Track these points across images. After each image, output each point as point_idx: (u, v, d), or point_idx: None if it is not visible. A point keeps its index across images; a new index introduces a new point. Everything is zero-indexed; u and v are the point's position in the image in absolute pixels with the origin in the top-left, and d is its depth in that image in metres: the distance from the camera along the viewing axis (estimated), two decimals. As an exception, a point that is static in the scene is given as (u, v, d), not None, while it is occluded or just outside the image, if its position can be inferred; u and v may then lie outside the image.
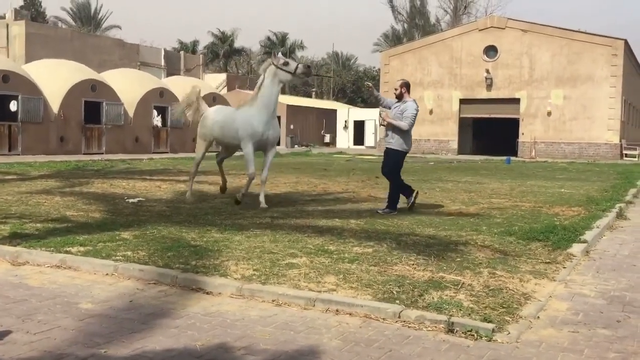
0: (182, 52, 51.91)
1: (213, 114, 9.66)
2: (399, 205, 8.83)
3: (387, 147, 8.81)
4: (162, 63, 45.08)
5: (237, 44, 77.34)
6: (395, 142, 8.69)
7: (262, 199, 9.09)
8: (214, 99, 32.98)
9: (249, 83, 57.67)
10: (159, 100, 29.60)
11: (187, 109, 10.12)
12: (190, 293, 4.63)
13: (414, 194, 8.97)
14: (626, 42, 33.14)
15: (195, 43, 75.07)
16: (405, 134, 8.68)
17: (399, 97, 8.87)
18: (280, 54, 9.11)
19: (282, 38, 76.56)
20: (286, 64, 8.88)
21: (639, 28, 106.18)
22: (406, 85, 8.89)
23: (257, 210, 8.63)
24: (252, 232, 6.79)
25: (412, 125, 8.67)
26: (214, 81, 51.12)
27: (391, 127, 8.70)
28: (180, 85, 31.86)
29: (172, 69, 44.99)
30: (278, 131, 9.26)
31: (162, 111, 29.97)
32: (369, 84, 9.27)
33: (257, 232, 6.80)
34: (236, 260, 5.40)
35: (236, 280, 4.76)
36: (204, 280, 4.75)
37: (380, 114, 8.83)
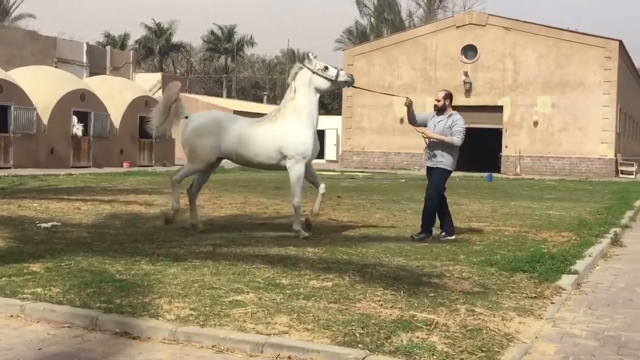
0: (108, 48, 51.34)
1: (221, 121, 9.18)
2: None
3: (436, 167, 8.99)
4: (85, 60, 44.44)
5: (175, 38, 77.10)
6: (447, 160, 8.94)
7: (297, 227, 8.98)
8: (146, 103, 32.69)
9: (188, 84, 57.42)
10: (80, 104, 29.10)
11: (165, 114, 9.39)
12: (114, 338, 4.54)
13: (453, 236, 9.02)
14: (621, 43, 34.37)
15: (125, 37, 74.43)
16: (454, 151, 8.97)
17: (441, 110, 9.12)
18: (315, 57, 9.21)
19: (229, 32, 76.65)
20: (326, 68, 9.02)
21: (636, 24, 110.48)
22: (449, 97, 9.16)
23: (196, 237, 8.56)
24: (190, 263, 6.73)
25: (463, 140, 8.93)
26: (147, 82, 50.61)
27: (439, 145, 8.91)
28: (106, 87, 31.54)
29: (96, 67, 44.39)
30: (318, 147, 9.28)
31: (83, 117, 29.47)
32: (408, 99, 9.33)
33: (196, 262, 6.74)
34: (170, 298, 5.33)
35: (169, 322, 4.70)
36: (131, 323, 4.67)
37: (423, 136, 9.03)
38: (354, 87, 9.89)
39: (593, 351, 4.57)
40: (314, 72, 8.97)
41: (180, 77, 62.99)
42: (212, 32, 77.17)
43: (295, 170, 8.96)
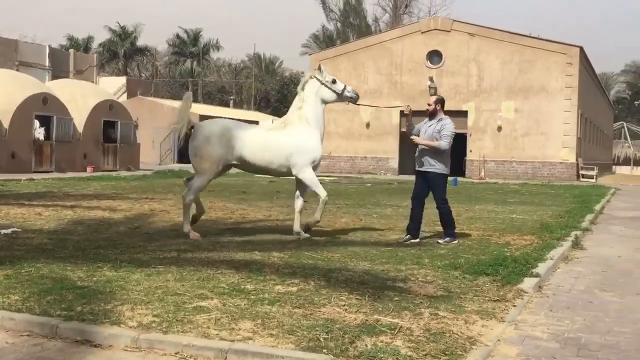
0: (71, 51, 50.62)
1: (230, 129, 9.21)
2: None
3: (429, 172, 9.18)
4: (47, 63, 43.77)
5: (140, 42, 76.44)
6: (439, 165, 9.14)
7: (298, 228, 9.37)
8: (110, 107, 32.31)
9: (154, 89, 56.93)
10: (42, 108, 28.60)
11: (185, 119, 9.24)
12: (74, 346, 4.46)
13: (417, 240, 9.23)
14: (582, 50, 35.07)
15: (88, 40, 73.57)
16: (445, 154, 9.14)
17: (432, 115, 9.31)
18: (323, 69, 9.59)
19: (195, 36, 76.27)
20: (334, 82, 9.45)
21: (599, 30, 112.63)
22: (441, 102, 9.37)
23: (160, 243, 8.47)
24: (154, 268, 6.66)
25: (451, 144, 9.10)
26: (111, 86, 50.07)
27: (428, 150, 9.11)
28: (69, 90, 31.04)
29: (59, 71, 43.76)
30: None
31: (46, 121, 28.98)
32: (409, 107, 9.61)
33: (160, 268, 6.67)
34: (132, 305, 5.26)
35: (132, 329, 4.63)
36: (92, 330, 4.60)
37: (413, 140, 9.30)
38: (357, 104, 10.23)
39: (554, 353, 4.64)
40: (322, 84, 9.38)
41: (145, 81, 62.47)
42: (178, 36, 76.76)
43: (307, 174, 9.29)
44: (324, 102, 9.46)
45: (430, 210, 9.64)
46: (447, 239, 9.15)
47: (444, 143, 9.02)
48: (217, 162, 9.10)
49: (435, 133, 9.11)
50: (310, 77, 9.48)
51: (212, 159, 9.07)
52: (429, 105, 9.34)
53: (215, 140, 9.05)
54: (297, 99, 9.49)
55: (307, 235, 9.28)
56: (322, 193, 9.37)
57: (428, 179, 9.24)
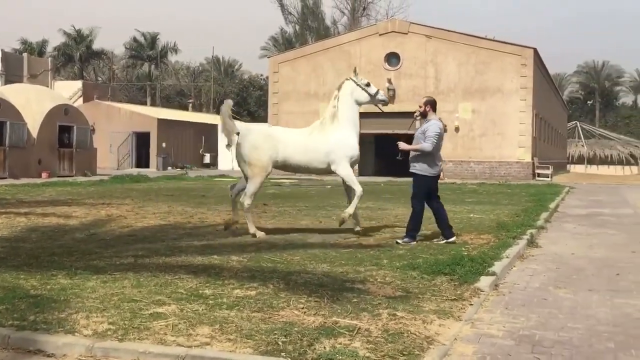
0: (25, 54, 49.62)
1: (273, 134, 10.02)
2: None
3: (413, 172, 9.31)
4: (0, 67, 42.78)
5: (96, 45, 75.30)
6: (419, 166, 9.22)
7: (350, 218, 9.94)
8: (65, 112, 31.75)
9: (111, 93, 56.11)
10: (-5, 113, 27.97)
11: (226, 129, 9.77)
12: (27, 357, 4.37)
13: (453, 238, 9.29)
14: (536, 51, 35.72)
15: (43, 43, 72.20)
16: (429, 156, 9.17)
17: (423, 116, 9.44)
18: (358, 71, 10.26)
19: (152, 39, 75.46)
20: (368, 85, 10.07)
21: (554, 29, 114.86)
22: (431, 103, 9.45)
23: (117, 249, 8.35)
24: (110, 275, 6.56)
25: (435, 144, 9.11)
26: (67, 90, 49.18)
27: (414, 151, 9.23)
28: (22, 95, 30.41)
29: (12, 75, 42.85)
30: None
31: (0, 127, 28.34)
32: (417, 112, 9.64)
33: (117, 275, 6.58)
34: (87, 313, 5.17)
35: (86, 338, 4.56)
36: (45, 340, 4.50)
37: (397, 145, 9.47)
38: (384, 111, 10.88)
39: (509, 350, 4.70)
40: (357, 85, 10.01)
41: (102, 85, 61.55)
42: (135, 39, 75.83)
43: (344, 170, 9.92)
44: (358, 103, 10.06)
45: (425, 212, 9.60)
46: (406, 239, 9.20)
47: (426, 145, 9.08)
48: (266, 166, 9.75)
49: (420, 134, 9.24)
50: (347, 79, 10.10)
51: (261, 163, 9.68)
52: (419, 107, 9.47)
53: (262, 146, 9.68)
54: (332, 100, 10.09)
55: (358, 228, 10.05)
56: (358, 189, 9.82)
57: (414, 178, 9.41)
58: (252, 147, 9.67)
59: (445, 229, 9.38)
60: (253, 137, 9.75)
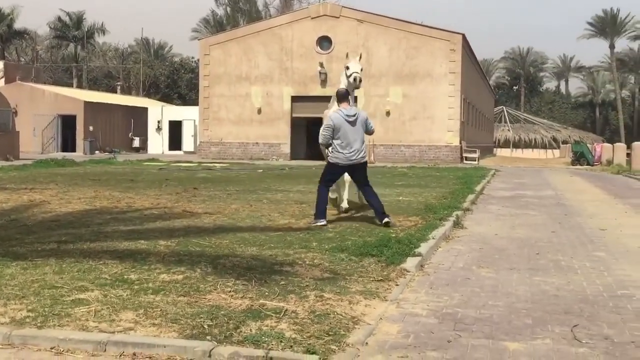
0: (-59, 33, 47.22)
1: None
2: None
3: None
4: None
5: (19, 24, 72.34)
6: (328, 152, 9.63)
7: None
8: (-14, 94, 30.45)
9: (34, 74, 54.15)
10: None
11: None
12: (-61, 347, 4.19)
13: (384, 220, 9.31)
14: (464, 37, 36.43)
15: (-40, 21, 68.79)
16: (330, 145, 9.47)
17: None
18: (351, 56, 10.68)
19: (78, 19, 73.01)
20: (347, 68, 10.28)
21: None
22: (337, 94, 9.76)
23: (39, 235, 8.10)
24: (31, 262, 6.36)
25: (325, 137, 9.44)
26: (-13, 71, 47.15)
27: None
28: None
29: None
30: None
31: None
32: None
33: (38, 261, 6.39)
34: (5, 300, 5.01)
35: (4, 326, 4.41)
36: (-41, 329, 4.33)
37: None
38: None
39: (432, 328, 4.81)
40: (345, 69, 10.34)
41: (25, 66, 59.33)
42: (60, 19, 73.16)
43: None
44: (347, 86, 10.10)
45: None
46: (313, 220, 9.35)
47: (319, 137, 9.58)
48: None
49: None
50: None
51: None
52: None
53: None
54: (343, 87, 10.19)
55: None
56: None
57: None
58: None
59: (379, 213, 9.47)
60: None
